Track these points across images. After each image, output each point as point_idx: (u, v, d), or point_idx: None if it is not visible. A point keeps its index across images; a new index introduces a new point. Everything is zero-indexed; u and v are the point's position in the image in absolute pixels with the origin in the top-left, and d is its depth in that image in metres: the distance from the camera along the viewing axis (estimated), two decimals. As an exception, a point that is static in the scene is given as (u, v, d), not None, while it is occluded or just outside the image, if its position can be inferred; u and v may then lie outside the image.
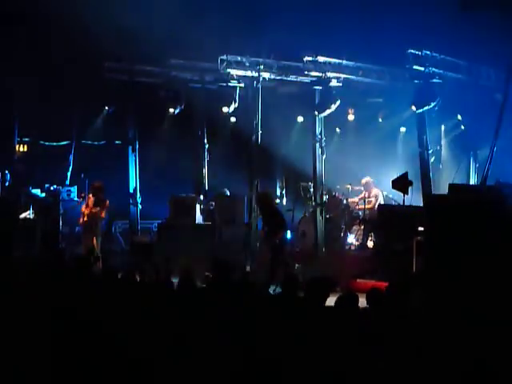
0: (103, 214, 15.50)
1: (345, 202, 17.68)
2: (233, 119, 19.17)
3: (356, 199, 17.85)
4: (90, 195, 15.73)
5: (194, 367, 6.16)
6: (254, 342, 6.21)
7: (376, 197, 17.63)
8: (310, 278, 7.77)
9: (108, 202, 15.59)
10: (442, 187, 16.46)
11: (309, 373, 5.89)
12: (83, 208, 15.69)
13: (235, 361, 6.05)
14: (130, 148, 18.83)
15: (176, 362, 6.23)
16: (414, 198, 15.21)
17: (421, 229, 13.13)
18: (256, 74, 16.40)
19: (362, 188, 17.99)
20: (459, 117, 18.06)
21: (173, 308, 7.14)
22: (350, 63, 16.46)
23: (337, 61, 16.32)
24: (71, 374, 6.47)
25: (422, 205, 14.29)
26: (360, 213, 17.45)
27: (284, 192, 20.03)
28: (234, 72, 16.42)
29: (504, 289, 9.58)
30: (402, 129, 19.11)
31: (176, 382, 6.20)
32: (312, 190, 17.05)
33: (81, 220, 15.68)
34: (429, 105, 15.49)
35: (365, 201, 17.54)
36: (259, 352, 6.08)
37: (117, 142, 19.70)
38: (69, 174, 19.28)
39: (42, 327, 6.96)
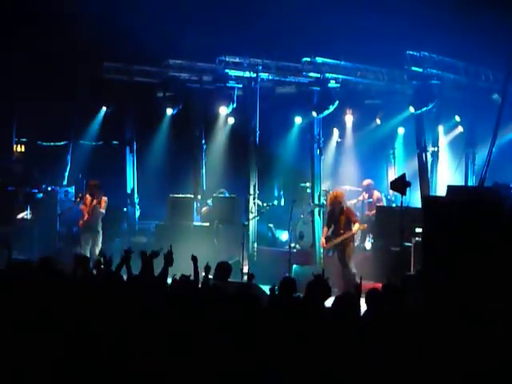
0: (102, 208, 15.57)
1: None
2: (231, 120, 19.17)
3: (354, 201, 17.86)
4: (87, 195, 15.79)
5: (193, 367, 6.15)
6: (254, 342, 6.20)
7: (379, 200, 17.69)
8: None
9: (105, 197, 15.67)
10: (439, 188, 16.49)
11: (309, 373, 5.89)
12: (82, 207, 15.74)
13: (234, 361, 6.05)
14: (128, 148, 18.83)
15: (175, 362, 6.22)
16: (412, 199, 15.23)
17: (419, 230, 13.12)
18: (254, 75, 16.39)
19: (361, 189, 18.02)
20: (457, 118, 18.06)
21: (173, 308, 7.12)
22: (349, 64, 16.44)
23: (335, 62, 16.30)
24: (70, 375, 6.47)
25: (419, 206, 14.29)
26: (358, 214, 17.45)
27: (282, 193, 20.00)
28: (232, 72, 16.41)
29: (502, 289, 9.58)
30: (400, 130, 19.11)
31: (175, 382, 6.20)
32: (310, 190, 17.06)
33: (81, 221, 15.71)
34: (427, 106, 15.47)
35: (363, 202, 17.56)
36: (259, 352, 6.08)
37: (114, 142, 19.70)
38: (66, 174, 19.26)
39: (39, 328, 6.94)
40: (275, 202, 18.34)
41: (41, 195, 17.98)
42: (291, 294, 7.93)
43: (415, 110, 15.58)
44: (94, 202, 15.55)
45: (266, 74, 16.61)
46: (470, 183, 16.21)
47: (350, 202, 17.86)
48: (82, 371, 6.38)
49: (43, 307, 7.26)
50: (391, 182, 13.38)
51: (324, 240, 14.58)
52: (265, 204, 17.13)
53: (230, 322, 6.41)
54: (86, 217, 15.63)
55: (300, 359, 5.92)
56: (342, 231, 14.22)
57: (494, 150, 12.38)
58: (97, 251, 15.28)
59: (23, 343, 6.69)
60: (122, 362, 6.30)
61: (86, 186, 16.94)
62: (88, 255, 14.89)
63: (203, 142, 18.91)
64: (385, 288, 7.73)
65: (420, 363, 5.93)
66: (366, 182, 18.00)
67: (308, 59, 16.19)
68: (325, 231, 14.73)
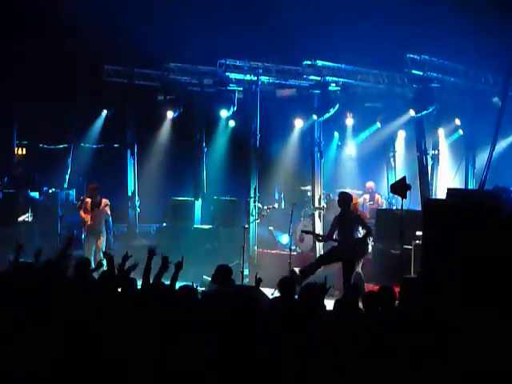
0: (108, 211, 15.49)
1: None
2: (231, 123, 19.18)
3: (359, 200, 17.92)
4: (88, 199, 15.60)
5: (193, 368, 6.17)
6: (254, 343, 6.22)
7: (378, 202, 17.73)
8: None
9: (105, 200, 15.53)
10: (440, 191, 16.51)
11: (308, 373, 5.91)
12: (82, 214, 15.57)
13: (233, 362, 6.07)
14: (129, 151, 18.85)
15: (174, 363, 6.24)
16: (413, 202, 15.24)
17: (419, 233, 13.13)
18: (255, 78, 16.43)
19: (362, 192, 18.06)
20: (457, 121, 18.08)
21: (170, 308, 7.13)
22: (349, 67, 16.48)
23: (335, 65, 16.34)
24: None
25: (420, 209, 14.30)
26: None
27: (282, 196, 20.02)
28: (232, 75, 16.46)
29: (502, 292, 9.59)
30: (401, 133, 19.13)
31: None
32: (310, 193, 17.08)
33: (85, 227, 15.58)
34: (427, 109, 15.49)
35: (364, 205, 17.58)
36: (259, 354, 6.10)
37: (115, 145, 19.71)
38: (67, 177, 19.28)
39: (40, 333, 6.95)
40: (276, 205, 18.36)
41: (42, 198, 17.99)
42: (292, 296, 7.95)
43: (415, 113, 15.61)
44: (100, 208, 15.37)
45: (267, 77, 16.65)
46: (470, 186, 16.22)
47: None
48: (82, 371, 6.39)
49: (44, 308, 7.28)
50: (391, 185, 13.41)
51: None
52: (265, 207, 17.17)
53: (228, 324, 6.43)
54: (90, 222, 15.46)
55: (299, 360, 5.95)
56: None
57: (494, 153, 12.40)
58: (101, 253, 15.25)
59: (23, 343, 6.71)
60: (122, 364, 6.32)
61: (86, 190, 16.91)
62: (91, 258, 14.90)
63: (204, 144, 18.89)
64: (381, 290, 7.72)
65: (420, 366, 5.95)
66: (369, 184, 18.04)
67: (308, 62, 16.23)
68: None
